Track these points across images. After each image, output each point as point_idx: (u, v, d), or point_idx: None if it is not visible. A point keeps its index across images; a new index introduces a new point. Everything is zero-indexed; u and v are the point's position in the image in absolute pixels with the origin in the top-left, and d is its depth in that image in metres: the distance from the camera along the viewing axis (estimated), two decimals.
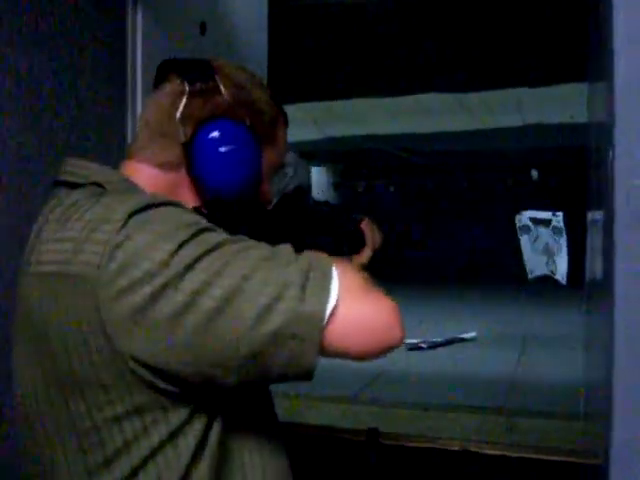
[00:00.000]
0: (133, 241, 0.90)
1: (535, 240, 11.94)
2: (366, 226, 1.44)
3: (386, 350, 0.94)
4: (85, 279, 0.90)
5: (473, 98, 8.33)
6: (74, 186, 1.03)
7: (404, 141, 11.75)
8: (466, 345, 8.53)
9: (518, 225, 12.15)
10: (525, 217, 12.19)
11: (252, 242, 0.95)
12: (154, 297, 0.87)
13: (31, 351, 0.98)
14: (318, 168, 15.53)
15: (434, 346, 8.15)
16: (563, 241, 11.49)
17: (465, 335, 8.82)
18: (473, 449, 1.94)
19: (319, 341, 0.89)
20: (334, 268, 0.92)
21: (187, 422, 0.95)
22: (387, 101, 8.81)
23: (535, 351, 8.10)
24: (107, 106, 1.68)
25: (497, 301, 12.35)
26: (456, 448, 1.96)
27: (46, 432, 0.99)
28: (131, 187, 1.05)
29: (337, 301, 0.89)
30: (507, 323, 10.06)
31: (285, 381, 0.94)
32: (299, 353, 0.89)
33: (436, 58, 6.63)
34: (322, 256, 0.95)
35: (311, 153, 13.73)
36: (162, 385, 0.92)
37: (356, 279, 0.94)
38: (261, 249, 0.94)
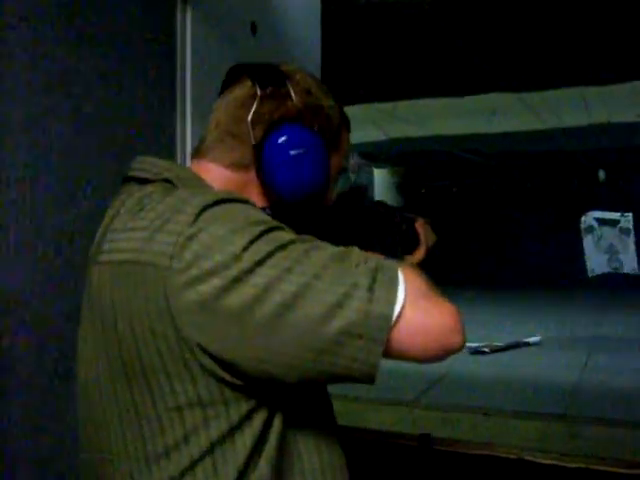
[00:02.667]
0: (206, 233, 0.91)
1: (599, 239, 11.69)
2: (420, 226, 1.45)
3: (447, 354, 0.95)
4: (156, 268, 0.92)
5: (538, 97, 8.17)
6: (144, 182, 1.06)
7: (468, 142, 11.62)
8: (530, 349, 8.38)
9: (583, 226, 11.91)
10: (590, 218, 11.93)
11: (321, 242, 0.97)
12: (224, 289, 0.89)
13: (98, 337, 1.01)
14: (380, 170, 15.47)
15: (497, 350, 8.03)
16: (631, 241, 11.23)
17: (529, 339, 8.66)
18: (529, 458, 1.88)
19: (385, 342, 0.90)
20: (400, 271, 0.93)
21: (246, 418, 0.96)
22: (450, 101, 8.72)
23: (602, 355, 7.89)
24: (157, 107, 1.68)
25: (563, 304, 12.14)
26: (511, 456, 1.90)
27: (107, 418, 1.01)
28: (202, 184, 1.07)
29: (403, 304, 0.90)
30: (573, 327, 9.86)
31: (346, 382, 0.95)
32: (364, 353, 0.89)
33: (500, 57, 6.52)
34: (388, 259, 0.96)
35: (374, 155, 13.69)
36: (226, 377, 0.93)
37: (420, 283, 0.94)
38: (331, 249, 0.95)
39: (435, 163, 14.99)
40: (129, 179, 1.10)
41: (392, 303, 0.90)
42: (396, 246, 1.39)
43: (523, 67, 6.87)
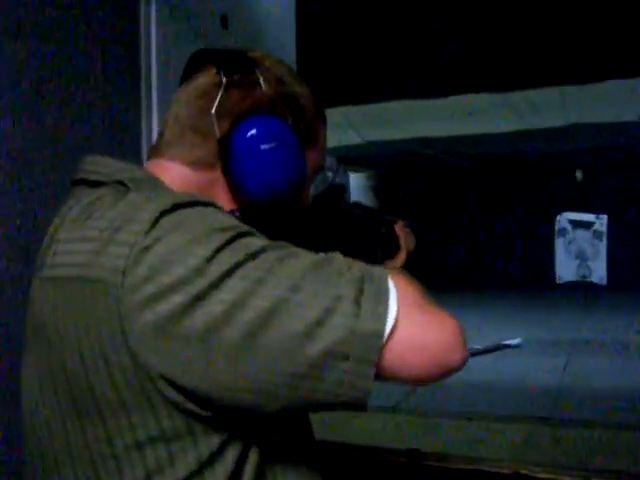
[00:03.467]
0: (164, 244, 0.79)
1: (569, 243, 11.70)
2: (400, 229, 1.34)
3: (447, 374, 0.83)
4: (107, 285, 0.80)
5: (516, 97, 8.15)
6: (95, 185, 0.93)
7: (445, 144, 11.60)
8: (511, 352, 8.34)
9: (556, 228, 11.93)
10: (564, 219, 11.94)
11: (298, 249, 0.84)
12: (186, 308, 0.77)
13: (43, 366, 0.88)
14: (357, 174, 15.42)
15: (478, 353, 7.97)
16: (602, 245, 11.26)
17: (510, 342, 8.64)
18: (524, 472, 1.78)
19: (376, 363, 0.78)
20: (390, 279, 0.81)
21: (218, 453, 0.84)
22: (427, 103, 8.67)
23: (582, 358, 7.89)
24: (118, 104, 1.56)
25: (543, 306, 12.15)
26: (506, 471, 1.81)
27: (58, 458, 0.88)
28: (160, 186, 0.94)
29: (396, 318, 0.79)
30: (554, 329, 9.86)
31: (333, 410, 0.82)
32: (353, 377, 0.78)
33: (478, 56, 6.48)
34: (375, 266, 0.84)
35: (350, 158, 13.63)
36: (192, 408, 0.80)
37: (414, 292, 0.83)
38: (309, 257, 0.83)
39: (412, 166, 14.96)
40: (79, 182, 0.96)
41: (383, 317, 0.78)
42: (375, 250, 1.29)
43: (500, 67, 6.83)
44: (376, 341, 0.78)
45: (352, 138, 10.85)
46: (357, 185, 15.54)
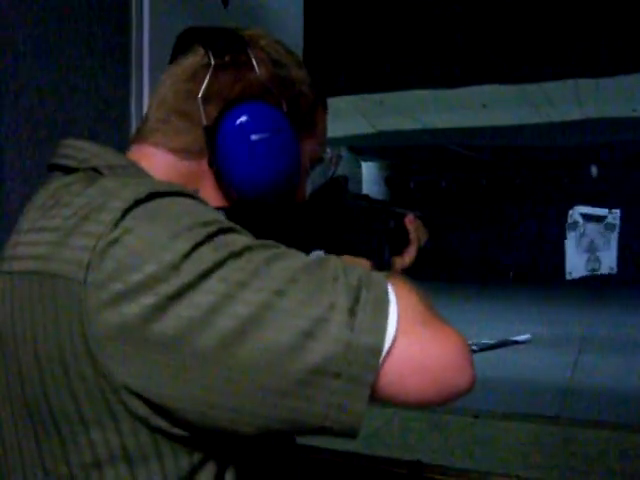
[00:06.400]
0: (135, 236, 0.70)
1: (581, 236, 11.62)
2: (410, 223, 1.24)
3: (451, 398, 0.74)
4: (68, 281, 0.71)
5: (530, 90, 8.09)
6: (68, 171, 0.84)
7: (458, 135, 11.53)
8: (519, 348, 8.28)
9: (568, 222, 11.83)
10: (576, 213, 11.85)
11: (288, 250, 0.75)
12: (157, 310, 0.67)
13: None
14: (369, 163, 15.39)
15: (485, 348, 7.92)
16: (613, 236, 11.17)
17: (518, 337, 8.58)
18: None
19: (372, 383, 0.69)
20: (390, 287, 0.72)
21: (188, 477, 0.74)
22: (441, 93, 8.61)
23: (592, 355, 7.83)
24: (106, 85, 1.46)
25: (553, 301, 12.10)
26: None
27: (9, 475, 0.79)
28: (138, 173, 0.85)
29: (395, 332, 0.70)
30: (563, 324, 9.81)
31: (319, 434, 0.73)
32: (343, 399, 0.69)
33: (492, 48, 6.41)
34: (373, 272, 0.75)
35: (362, 148, 13.60)
36: (160, 425, 0.71)
37: (417, 303, 0.74)
38: (300, 259, 0.74)
39: (424, 157, 14.93)
40: (54, 167, 0.87)
41: (381, 331, 0.69)
42: (383, 247, 1.20)
43: (515, 59, 6.77)
44: (373, 358, 0.68)
45: (364, 127, 10.80)
46: (368, 174, 15.51)
